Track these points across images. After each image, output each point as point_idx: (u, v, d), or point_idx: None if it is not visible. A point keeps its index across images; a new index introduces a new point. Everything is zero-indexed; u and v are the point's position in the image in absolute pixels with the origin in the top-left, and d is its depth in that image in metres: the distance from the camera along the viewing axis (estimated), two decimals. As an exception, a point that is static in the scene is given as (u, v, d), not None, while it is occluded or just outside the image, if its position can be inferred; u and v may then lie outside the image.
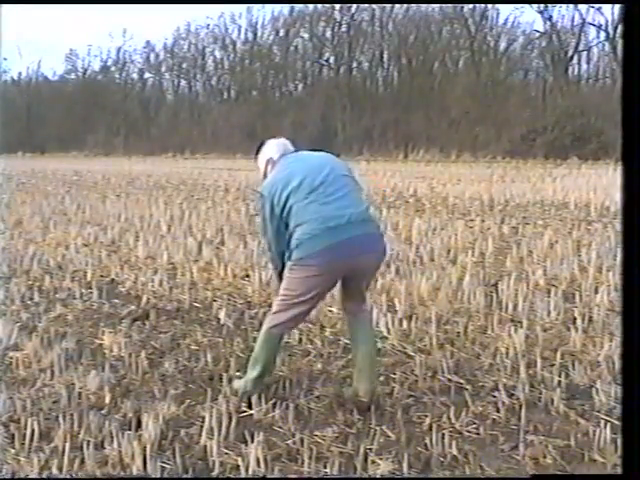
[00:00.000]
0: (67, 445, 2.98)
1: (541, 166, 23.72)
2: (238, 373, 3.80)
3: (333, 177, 3.43)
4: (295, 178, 3.38)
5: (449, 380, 3.76)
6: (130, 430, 3.16)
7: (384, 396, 3.56)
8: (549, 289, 5.63)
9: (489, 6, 36.78)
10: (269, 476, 2.84)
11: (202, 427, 3.17)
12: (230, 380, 3.71)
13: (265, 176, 3.65)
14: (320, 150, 3.78)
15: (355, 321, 3.59)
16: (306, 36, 42.64)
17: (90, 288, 5.98)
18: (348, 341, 4.34)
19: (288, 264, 3.41)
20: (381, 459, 2.92)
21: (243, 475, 2.85)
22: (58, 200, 13.37)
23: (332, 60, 41.75)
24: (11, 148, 38.19)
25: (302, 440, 3.08)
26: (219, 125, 41.10)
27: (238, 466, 2.89)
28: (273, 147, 3.70)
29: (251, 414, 3.35)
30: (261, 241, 3.60)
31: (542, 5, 34.40)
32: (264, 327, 3.52)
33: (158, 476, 2.85)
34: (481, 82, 35.38)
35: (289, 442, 3.09)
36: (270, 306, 5.23)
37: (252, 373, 3.51)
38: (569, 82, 35.12)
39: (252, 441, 3.03)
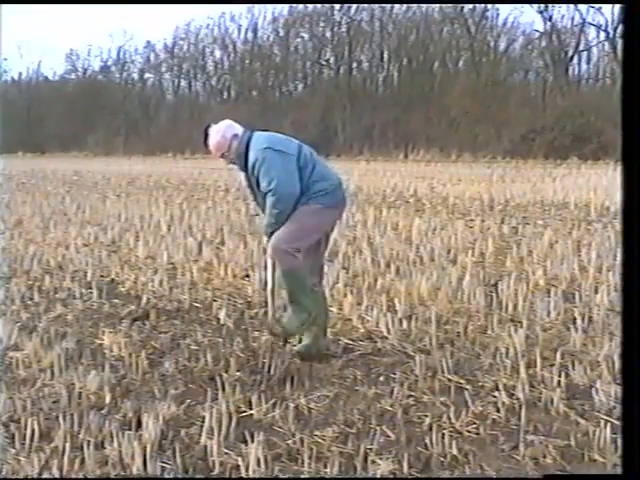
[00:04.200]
0: (67, 445, 2.98)
1: (541, 166, 23.69)
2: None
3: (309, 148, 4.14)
4: (295, 143, 4.06)
5: (449, 380, 3.76)
6: (130, 430, 3.16)
7: (384, 396, 3.56)
8: (549, 289, 5.63)
9: (489, 6, 36.72)
10: (269, 476, 2.84)
11: (202, 427, 3.17)
12: (230, 380, 3.71)
13: (230, 149, 4.02)
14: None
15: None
16: (306, 36, 42.57)
17: (90, 288, 5.98)
18: (348, 341, 4.37)
19: (307, 207, 3.92)
20: (381, 459, 2.93)
21: (243, 475, 2.85)
22: (58, 200, 13.37)
23: (332, 60, 41.70)
24: (11, 148, 38.10)
25: (302, 440, 3.08)
26: (219, 125, 41.02)
27: (238, 466, 2.89)
28: (232, 125, 4.09)
29: (251, 414, 3.36)
30: (271, 184, 3.92)
31: (542, 5, 34.34)
32: (292, 271, 3.91)
33: (158, 476, 2.85)
34: (481, 82, 35.30)
35: (289, 442, 3.09)
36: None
37: (301, 316, 3.99)
38: (569, 82, 35.07)
39: (252, 441, 3.03)
